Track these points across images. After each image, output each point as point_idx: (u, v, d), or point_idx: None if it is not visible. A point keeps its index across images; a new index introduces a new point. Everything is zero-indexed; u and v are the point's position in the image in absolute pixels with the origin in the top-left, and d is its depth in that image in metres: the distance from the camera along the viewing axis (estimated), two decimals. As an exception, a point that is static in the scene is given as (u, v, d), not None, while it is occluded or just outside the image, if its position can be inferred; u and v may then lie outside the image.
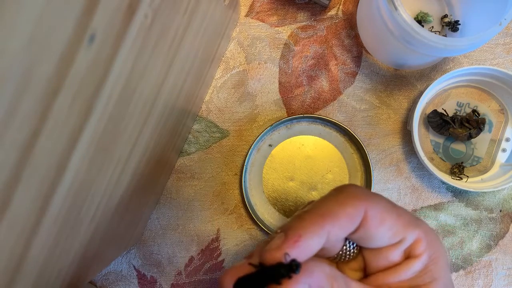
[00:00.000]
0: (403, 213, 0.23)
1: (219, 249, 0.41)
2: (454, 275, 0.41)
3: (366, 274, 0.25)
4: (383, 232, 0.22)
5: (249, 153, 0.39)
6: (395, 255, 0.23)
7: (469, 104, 0.41)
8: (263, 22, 0.41)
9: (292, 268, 0.20)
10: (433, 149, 0.41)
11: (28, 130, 0.13)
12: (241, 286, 0.20)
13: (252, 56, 0.41)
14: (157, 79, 0.24)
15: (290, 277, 0.19)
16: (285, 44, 0.41)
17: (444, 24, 0.40)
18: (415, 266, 0.23)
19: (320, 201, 0.22)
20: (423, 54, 0.34)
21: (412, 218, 0.23)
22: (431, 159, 0.41)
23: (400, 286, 0.23)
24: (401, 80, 0.41)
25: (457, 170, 0.40)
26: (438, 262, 0.23)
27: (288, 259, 0.20)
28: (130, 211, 0.31)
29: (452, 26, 0.39)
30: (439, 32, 0.40)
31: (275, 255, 0.20)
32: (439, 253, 0.23)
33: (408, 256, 0.23)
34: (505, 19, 0.31)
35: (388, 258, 0.23)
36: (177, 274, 0.41)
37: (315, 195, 0.40)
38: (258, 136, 0.39)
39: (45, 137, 0.14)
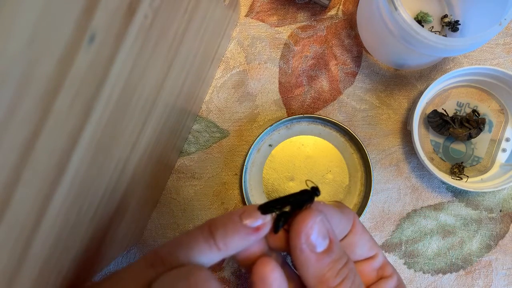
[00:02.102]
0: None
1: (219, 249, 0.41)
2: (454, 275, 0.41)
3: None
4: (363, 242, 0.26)
5: (249, 153, 0.39)
6: (370, 271, 0.27)
7: (469, 104, 0.41)
8: (263, 22, 0.41)
9: (313, 193, 0.23)
10: (433, 149, 0.41)
11: (28, 130, 0.13)
12: (266, 208, 0.22)
13: (252, 56, 0.41)
14: (157, 79, 0.24)
15: (312, 202, 0.23)
16: (285, 44, 0.41)
17: (444, 24, 0.40)
18: (390, 284, 0.26)
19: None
20: (423, 54, 0.34)
21: None
22: (431, 159, 0.41)
23: None
24: (401, 80, 0.41)
25: (457, 170, 0.40)
26: (404, 285, 0.28)
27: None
28: (130, 211, 0.31)
29: (452, 26, 0.39)
30: (439, 32, 0.40)
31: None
32: (401, 278, 0.28)
33: (381, 277, 0.27)
34: (505, 19, 0.31)
35: (364, 274, 0.27)
36: (177, 274, 0.41)
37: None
38: (258, 136, 0.39)
39: (45, 137, 0.14)
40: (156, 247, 0.22)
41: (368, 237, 0.27)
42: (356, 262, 0.27)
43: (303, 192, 0.23)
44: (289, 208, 0.23)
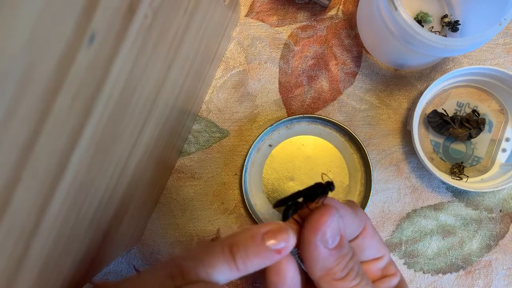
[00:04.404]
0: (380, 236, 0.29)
1: (219, 249, 0.41)
2: (454, 275, 0.41)
3: None
4: (373, 244, 0.27)
5: (249, 153, 0.39)
6: (376, 270, 0.28)
7: (469, 104, 0.41)
8: (263, 22, 0.41)
9: (328, 187, 0.23)
10: (433, 149, 0.41)
11: (28, 130, 0.13)
12: (281, 204, 0.23)
13: (252, 56, 0.41)
14: (157, 79, 0.24)
15: (325, 196, 0.24)
16: (285, 44, 0.41)
17: (444, 24, 0.40)
18: (393, 281, 0.27)
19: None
20: (423, 54, 0.34)
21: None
22: (431, 159, 0.41)
23: None
24: (401, 80, 0.41)
25: (457, 170, 0.40)
26: (406, 283, 0.29)
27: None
28: (131, 211, 0.31)
29: (452, 26, 0.39)
30: (439, 32, 0.40)
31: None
32: (403, 276, 0.29)
33: (385, 275, 0.28)
34: (505, 19, 0.31)
35: (369, 272, 0.27)
36: (177, 274, 0.41)
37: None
38: (258, 136, 0.39)
39: (45, 137, 0.14)
40: (176, 258, 0.22)
41: (377, 239, 0.27)
42: (363, 262, 0.27)
43: (317, 185, 0.23)
44: (302, 199, 0.23)
